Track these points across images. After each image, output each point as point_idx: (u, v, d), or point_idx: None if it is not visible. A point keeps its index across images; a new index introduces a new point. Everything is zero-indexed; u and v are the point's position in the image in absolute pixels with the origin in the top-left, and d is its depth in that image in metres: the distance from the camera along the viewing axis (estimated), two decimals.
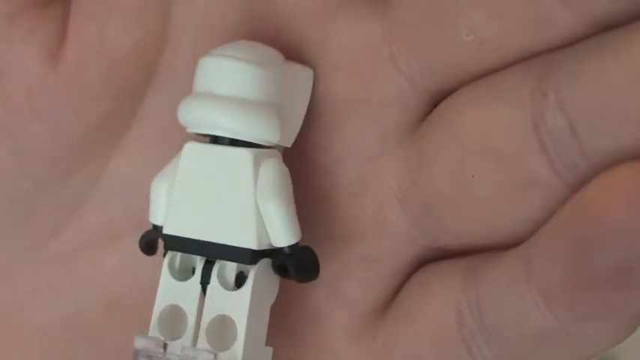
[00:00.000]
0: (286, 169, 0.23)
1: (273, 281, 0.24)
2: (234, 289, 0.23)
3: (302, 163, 0.24)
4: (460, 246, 0.24)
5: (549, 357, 0.23)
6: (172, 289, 0.23)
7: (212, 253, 0.23)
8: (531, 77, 0.22)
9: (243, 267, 0.23)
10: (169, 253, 0.23)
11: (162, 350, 0.23)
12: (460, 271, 0.23)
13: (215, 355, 0.22)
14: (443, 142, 0.23)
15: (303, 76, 0.24)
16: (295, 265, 0.23)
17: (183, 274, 0.23)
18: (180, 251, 0.23)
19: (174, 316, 0.23)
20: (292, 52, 0.24)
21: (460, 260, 0.24)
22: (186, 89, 0.24)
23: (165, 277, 0.23)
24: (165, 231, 0.23)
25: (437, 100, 0.24)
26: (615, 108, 0.21)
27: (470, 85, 0.23)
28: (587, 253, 0.20)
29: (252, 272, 0.23)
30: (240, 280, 0.23)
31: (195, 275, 0.23)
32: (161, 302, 0.23)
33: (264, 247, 0.23)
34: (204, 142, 0.23)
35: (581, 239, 0.21)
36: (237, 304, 0.23)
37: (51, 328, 0.26)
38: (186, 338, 0.23)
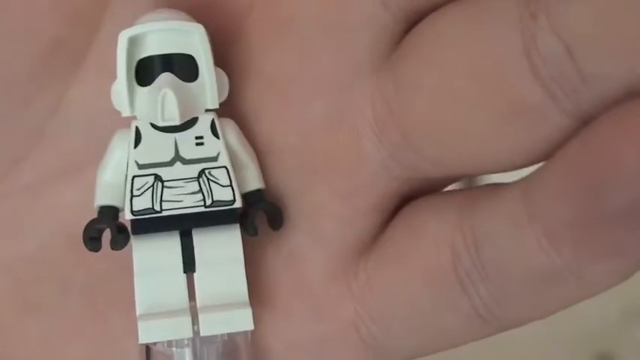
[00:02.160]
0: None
1: None
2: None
3: (273, 95, 0.23)
4: (443, 175, 0.23)
5: (549, 296, 0.22)
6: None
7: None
8: None
9: None
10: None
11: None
12: (454, 206, 0.23)
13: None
14: (422, 67, 0.22)
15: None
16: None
17: None
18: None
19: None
20: None
21: (453, 194, 0.23)
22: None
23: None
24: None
25: (413, 19, 0.22)
26: (617, 30, 0.19)
27: (450, 5, 0.22)
28: (599, 193, 0.20)
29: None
30: None
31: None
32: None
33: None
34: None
35: (594, 179, 0.20)
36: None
37: (15, 264, 0.25)
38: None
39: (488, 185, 0.23)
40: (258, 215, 0.24)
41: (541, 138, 0.21)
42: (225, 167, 0.23)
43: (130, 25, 0.23)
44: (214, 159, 0.23)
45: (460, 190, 0.23)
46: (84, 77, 0.24)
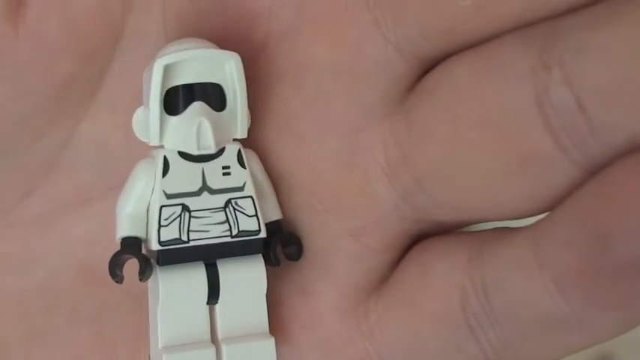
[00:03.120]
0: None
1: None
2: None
3: (286, 133, 0.24)
4: (454, 220, 0.23)
5: (556, 342, 0.22)
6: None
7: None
8: (533, 49, 0.20)
9: None
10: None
11: None
12: (464, 250, 0.23)
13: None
14: (436, 114, 0.22)
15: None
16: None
17: None
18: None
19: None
20: (265, 18, 0.23)
21: (463, 237, 0.23)
22: (155, 52, 0.23)
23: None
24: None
25: (427, 66, 0.22)
26: (628, 84, 0.19)
27: (465, 54, 0.22)
28: (607, 244, 0.19)
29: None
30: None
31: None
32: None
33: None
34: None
35: (601, 229, 0.20)
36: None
37: (26, 295, 0.25)
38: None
39: (498, 229, 0.23)
40: (279, 246, 0.24)
41: (550, 187, 0.21)
42: (251, 197, 0.23)
43: (146, 58, 0.23)
44: (241, 189, 0.23)
45: (470, 232, 0.23)
46: (95, 112, 0.24)
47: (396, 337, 0.24)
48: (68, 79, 0.23)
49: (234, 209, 0.23)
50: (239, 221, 0.23)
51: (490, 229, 0.23)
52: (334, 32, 0.22)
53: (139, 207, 0.23)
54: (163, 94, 0.23)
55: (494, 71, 0.21)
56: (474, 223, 0.23)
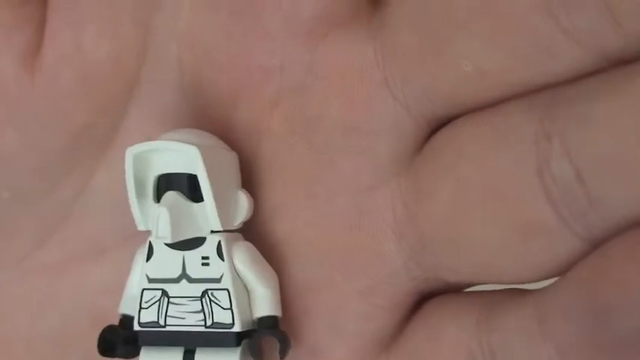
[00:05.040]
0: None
1: None
2: None
3: (295, 190, 0.23)
4: (461, 281, 0.23)
5: None
6: None
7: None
8: (535, 117, 0.20)
9: None
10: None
11: None
12: (474, 312, 0.22)
13: None
14: (439, 178, 0.22)
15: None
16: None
17: None
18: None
19: None
20: (277, 74, 0.23)
21: (473, 298, 0.23)
22: (169, 105, 0.23)
23: None
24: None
25: (435, 125, 0.22)
26: (627, 158, 0.19)
27: (470, 117, 0.21)
28: (607, 318, 0.19)
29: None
30: None
31: None
32: None
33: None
34: None
35: (601, 303, 0.19)
36: None
37: (37, 341, 0.25)
38: None
39: (506, 291, 0.22)
40: (267, 339, 0.23)
41: (553, 257, 0.20)
42: (227, 290, 0.23)
43: (162, 111, 0.23)
44: (217, 280, 0.23)
45: (480, 293, 0.23)
46: (110, 162, 0.24)
47: None
48: (83, 130, 0.24)
49: (210, 300, 0.23)
50: (214, 312, 0.23)
51: (499, 291, 0.23)
52: (344, 90, 0.22)
53: (135, 288, 0.24)
54: (155, 181, 0.23)
55: (496, 138, 0.21)
56: (483, 284, 0.23)
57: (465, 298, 0.23)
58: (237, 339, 0.23)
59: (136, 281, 0.24)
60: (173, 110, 0.24)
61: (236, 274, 0.23)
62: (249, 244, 0.23)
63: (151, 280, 0.23)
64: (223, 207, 0.23)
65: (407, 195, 0.22)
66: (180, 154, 0.22)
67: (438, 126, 0.22)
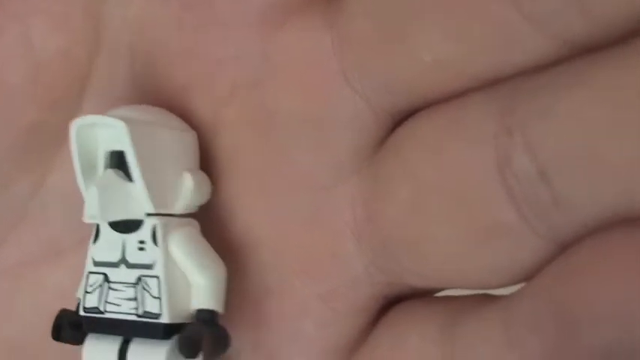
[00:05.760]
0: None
1: None
2: None
3: (252, 188, 0.22)
4: (425, 286, 0.22)
5: None
6: None
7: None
8: (496, 110, 0.19)
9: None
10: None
11: None
12: (438, 320, 0.21)
13: None
14: (398, 176, 0.21)
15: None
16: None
17: None
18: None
19: None
20: (231, 65, 0.22)
21: (437, 305, 0.22)
22: (123, 98, 0.22)
23: None
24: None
25: (399, 119, 0.21)
26: (593, 153, 0.17)
27: (430, 111, 0.20)
28: (571, 332, 0.18)
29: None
30: None
31: None
32: None
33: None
34: None
35: (565, 314, 0.18)
36: None
37: None
38: None
39: (472, 297, 0.21)
40: (205, 337, 0.22)
41: (518, 260, 0.19)
42: (157, 278, 0.22)
43: (116, 105, 0.22)
44: (150, 267, 0.22)
45: (445, 299, 0.22)
46: (64, 161, 0.23)
47: None
48: (35, 127, 0.23)
49: (143, 287, 0.22)
50: (145, 301, 0.22)
51: (466, 297, 0.21)
52: (301, 81, 0.21)
53: None
54: (103, 160, 0.22)
55: (456, 133, 0.19)
56: (447, 289, 0.22)
57: (430, 305, 0.22)
58: (166, 331, 0.21)
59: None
60: (127, 103, 0.23)
61: (171, 262, 0.22)
62: (192, 231, 0.22)
63: (95, 264, 0.22)
64: (159, 188, 0.22)
65: (367, 193, 0.21)
66: (117, 130, 0.21)
67: (402, 119, 0.21)
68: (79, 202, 0.23)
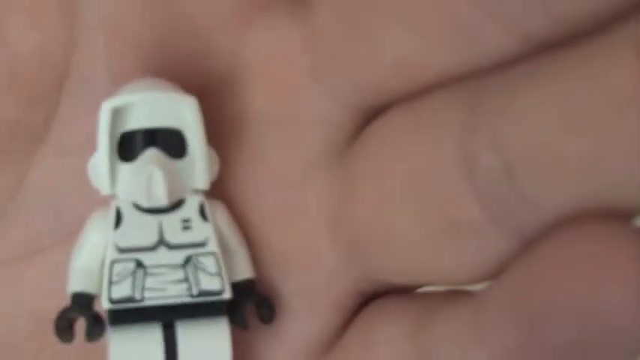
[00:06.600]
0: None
1: None
2: None
3: (224, 187, 0.22)
4: (399, 282, 0.22)
5: None
6: None
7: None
8: (461, 108, 0.19)
9: None
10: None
11: None
12: (410, 316, 0.21)
13: None
14: (366, 173, 0.21)
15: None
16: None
17: None
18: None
19: None
20: (201, 62, 0.22)
21: (411, 301, 0.22)
22: (101, 93, 0.22)
23: None
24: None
25: (372, 116, 0.21)
26: (553, 149, 0.17)
27: (399, 109, 0.20)
28: (538, 326, 0.18)
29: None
30: None
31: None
32: None
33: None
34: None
35: (532, 311, 0.18)
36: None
37: None
38: None
39: (445, 293, 0.21)
40: (249, 307, 0.22)
41: (484, 257, 0.19)
42: (214, 254, 0.21)
43: (95, 101, 0.22)
44: (202, 245, 0.21)
45: (419, 295, 0.22)
46: (44, 158, 0.23)
47: None
48: (12, 126, 0.23)
49: (195, 267, 0.21)
50: (200, 280, 0.21)
51: (438, 293, 0.22)
52: (271, 79, 0.21)
53: (91, 261, 0.22)
54: (118, 139, 0.21)
55: (421, 130, 0.20)
56: (422, 286, 0.22)
57: (404, 302, 0.22)
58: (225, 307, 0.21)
59: (90, 254, 0.22)
60: (105, 99, 0.22)
61: (218, 236, 0.22)
62: (221, 203, 0.22)
63: (122, 251, 0.21)
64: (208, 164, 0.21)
65: (338, 190, 0.21)
66: (161, 106, 0.21)
67: (375, 114, 0.21)
68: (60, 200, 0.23)
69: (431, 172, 0.19)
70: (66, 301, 0.22)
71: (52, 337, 0.23)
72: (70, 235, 0.23)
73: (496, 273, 0.19)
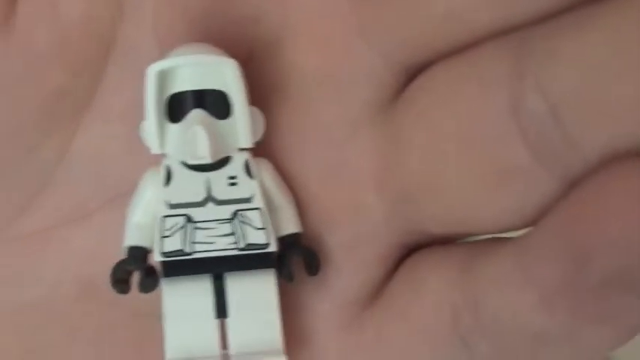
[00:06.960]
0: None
1: None
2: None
3: (271, 146, 0.23)
4: (444, 232, 0.23)
5: (548, 356, 0.21)
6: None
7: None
8: (509, 57, 0.20)
9: None
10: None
11: None
12: (456, 263, 0.22)
13: None
14: (415, 125, 0.21)
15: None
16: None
17: None
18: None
19: None
20: (248, 27, 0.23)
21: (456, 250, 0.23)
22: (147, 63, 0.22)
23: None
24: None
25: (414, 73, 0.22)
26: (600, 91, 0.18)
27: (445, 63, 0.21)
28: (586, 260, 0.19)
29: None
30: None
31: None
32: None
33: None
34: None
35: (580, 246, 0.19)
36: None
37: (22, 311, 0.25)
38: None
39: (488, 240, 0.22)
40: (295, 260, 0.23)
41: (533, 201, 0.20)
42: (259, 209, 0.22)
43: (140, 68, 0.22)
44: (248, 200, 0.22)
45: (462, 244, 0.23)
46: (90, 124, 0.24)
47: (389, 352, 0.23)
48: (60, 91, 0.23)
49: (242, 221, 0.22)
50: (246, 234, 0.22)
51: (481, 241, 0.22)
52: (318, 40, 0.22)
53: (145, 216, 0.23)
54: (165, 101, 0.22)
55: (468, 81, 0.20)
56: (467, 236, 0.23)
57: (448, 250, 0.23)
58: (272, 259, 0.22)
59: (144, 210, 0.23)
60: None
61: (265, 192, 0.22)
62: (267, 160, 0.23)
63: (172, 206, 0.22)
64: (251, 123, 0.22)
65: (385, 145, 0.22)
66: (206, 69, 0.22)
67: (416, 73, 0.22)
68: (106, 164, 0.24)
69: (480, 120, 0.20)
70: (111, 266, 0.23)
71: (96, 302, 0.24)
72: (115, 199, 0.24)
73: (539, 219, 0.20)
